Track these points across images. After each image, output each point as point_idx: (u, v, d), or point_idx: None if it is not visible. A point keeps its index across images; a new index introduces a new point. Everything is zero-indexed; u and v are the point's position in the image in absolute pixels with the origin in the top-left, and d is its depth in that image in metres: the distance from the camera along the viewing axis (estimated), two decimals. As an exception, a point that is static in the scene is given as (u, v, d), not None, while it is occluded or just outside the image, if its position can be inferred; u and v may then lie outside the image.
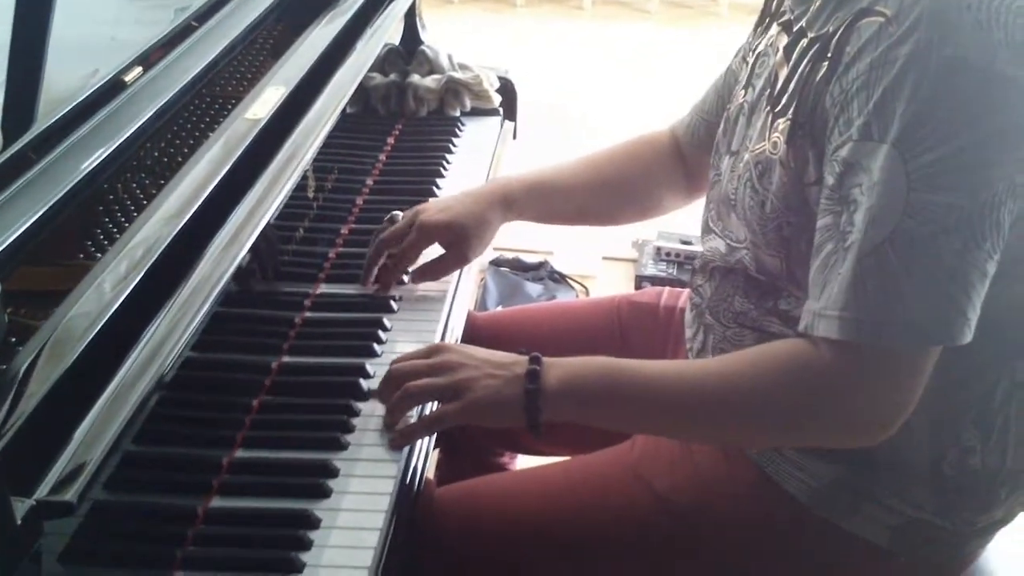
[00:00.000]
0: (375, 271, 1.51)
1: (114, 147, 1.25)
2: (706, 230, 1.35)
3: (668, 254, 3.20)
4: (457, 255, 1.52)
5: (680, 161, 1.56)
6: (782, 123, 1.16)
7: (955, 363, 1.12)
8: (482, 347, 1.27)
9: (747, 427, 1.17)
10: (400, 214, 1.54)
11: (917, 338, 1.05)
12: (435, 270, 1.52)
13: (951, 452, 1.18)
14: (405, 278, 1.53)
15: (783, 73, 1.19)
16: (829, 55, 1.11)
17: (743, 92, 1.30)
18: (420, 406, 1.26)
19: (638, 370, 1.19)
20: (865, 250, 1.04)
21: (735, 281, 1.28)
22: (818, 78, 1.12)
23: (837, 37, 1.11)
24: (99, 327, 0.98)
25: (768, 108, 1.20)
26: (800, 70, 1.15)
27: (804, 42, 1.16)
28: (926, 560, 1.25)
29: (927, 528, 1.21)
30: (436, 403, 1.25)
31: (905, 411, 1.08)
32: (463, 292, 1.55)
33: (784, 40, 1.21)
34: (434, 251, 1.53)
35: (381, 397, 1.26)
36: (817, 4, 1.17)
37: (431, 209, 1.51)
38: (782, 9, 1.26)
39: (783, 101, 1.17)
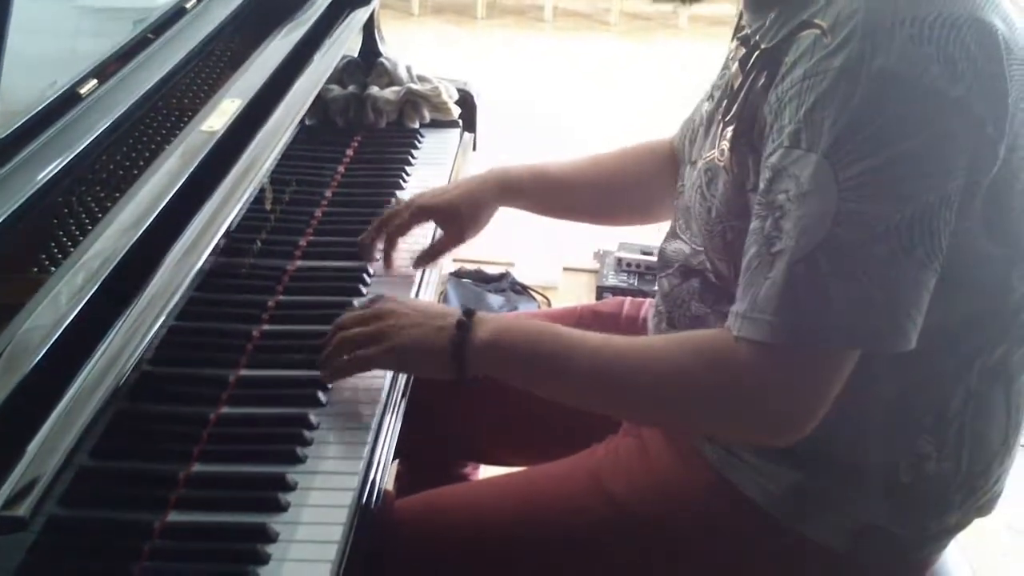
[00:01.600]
0: (373, 247, 1.60)
1: (70, 159, 1.24)
2: (672, 236, 1.37)
3: (629, 264, 3.21)
4: (452, 235, 1.60)
5: (675, 171, 1.58)
6: (729, 131, 1.19)
7: (910, 373, 1.13)
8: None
9: (654, 406, 1.19)
10: (403, 199, 1.66)
11: (845, 343, 1.06)
12: (432, 252, 1.61)
13: (906, 459, 1.19)
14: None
15: (736, 83, 1.21)
16: (771, 64, 1.13)
17: (706, 104, 1.33)
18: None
19: (565, 334, 1.22)
20: (796, 257, 1.05)
21: (692, 286, 1.30)
22: (759, 86, 1.15)
23: (776, 45, 1.14)
24: (54, 339, 0.97)
25: (720, 117, 1.23)
26: (750, 80, 1.17)
27: (757, 54, 1.18)
28: (883, 565, 1.25)
29: (883, 533, 1.22)
30: None
31: (818, 414, 1.09)
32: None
33: (741, 52, 1.23)
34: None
35: (325, 356, 1.29)
36: (771, 18, 1.18)
37: (428, 193, 1.62)
38: (742, 23, 1.28)
39: (732, 110, 1.20)
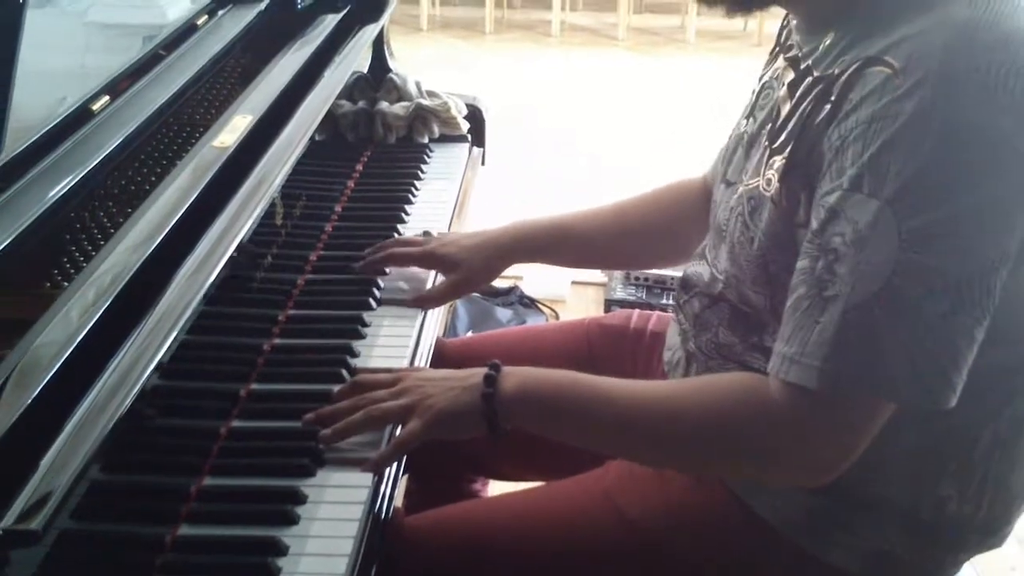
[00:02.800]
0: (377, 260, 1.59)
1: (82, 175, 1.25)
2: (699, 256, 1.35)
3: (637, 278, 3.21)
4: (452, 291, 1.59)
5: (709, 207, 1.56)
6: (778, 160, 1.15)
7: (937, 422, 1.11)
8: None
9: (691, 453, 1.18)
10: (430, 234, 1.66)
11: (892, 397, 1.05)
12: (434, 298, 1.58)
13: (928, 500, 1.19)
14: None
15: (785, 109, 1.17)
16: (832, 99, 1.09)
17: (744, 121, 1.30)
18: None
19: (594, 384, 1.21)
20: (851, 304, 1.02)
21: (721, 312, 1.28)
22: (818, 120, 1.10)
23: (842, 81, 1.08)
24: (66, 355, 0.97)
25: (767, 143, 1.19)
26: (802, 109, 1.13)
27: (809, 80, 1.15)
28: None
29: (897, 561, 1.21)
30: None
31: (853, 458, 1.08)
32: (432, 318, 1.55)
33: (790, 76, 1.19)
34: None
35: (339, 412, 1.25)
36: (827, 43, 1.14)
37: (448, 243, 1.59)
38: (790, 43, 1.24)
39: (781, 138, 1.16)
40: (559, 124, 4.69)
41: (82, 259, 1.16)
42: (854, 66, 1.07)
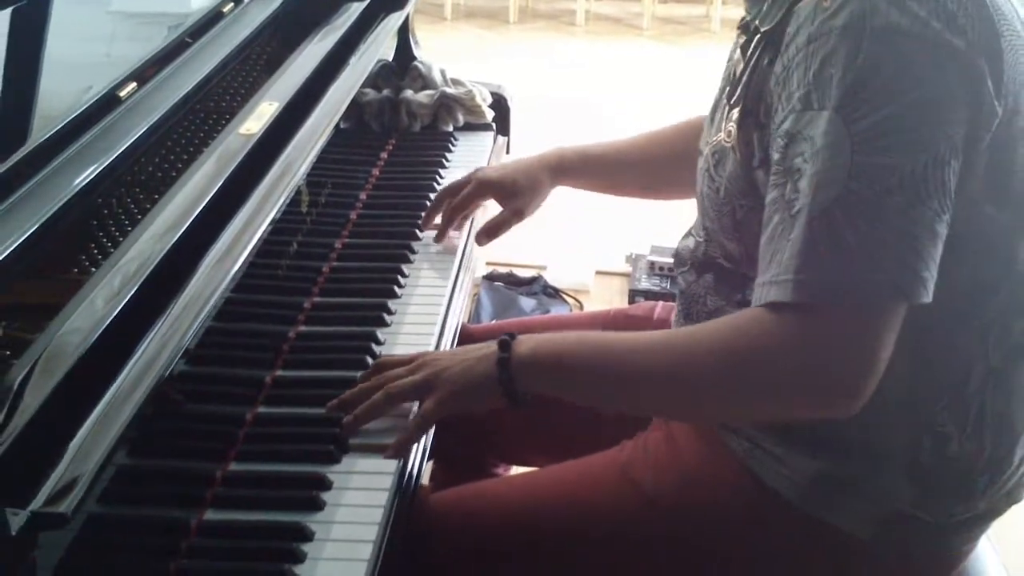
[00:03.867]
0: (434, 218, 1.70)
1: (108, 162, 1.25)
2: (687, 234, 1.39)
3: (662, 268, 3.20)
4: (512, 210, 1.69)
5: None
6: (735, 113, 1.20)
7: (924, 346, 1.13)
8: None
9: (708, 392, 1.17)
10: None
11: (867, 297, 1.06)
12: (494, 228, 1.70)
13: (926, 439, 1.19)
14: (457, 237, 1.70)
15: (739, 69, 1.23)
16: (773, 40, 1.16)
17: (714, 100, 1.34)
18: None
19: (605, 338, 1.25)
20: (814, 214, 1.05)
21: (706, 281, 1.31)
22: (763, 65, 1.17)
23: (777, 21, 1.16)
24: (93, 341, 0.98)
25: (725, 102, 1.25)
26: (752, 63, 1.19)
27: (757, 38, 1.20)
28: (910, 555, 1.25)
29: (909, 521, 1.21)
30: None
31: (869, 376, 1.07)
32: (456, 306, 1.56)
33: (742, 40, 1.25)
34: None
35: (360, 394, 1.26)
36: (768, 2, 1.20)
37: (488, 168, 1.72)
38: (744, 17, 1.29)
39: (737, 92, 1.21)
40: (583, 113, 4.68)
41: (109, 245, 1.17)
42: (787, 6, 1.15)
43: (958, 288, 1.11)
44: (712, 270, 1.30)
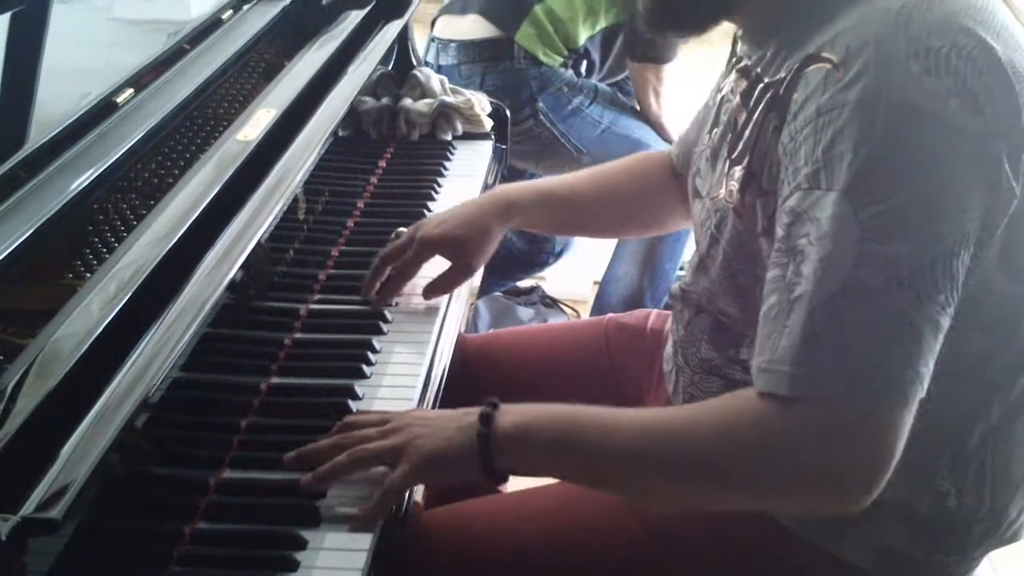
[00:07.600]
0: (377, 284, 1.52)
1: (105, 167, 1.25)
2: (691, 267, 1.34)
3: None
4: (461, 266, 1.53)
5: (677, 182, 1.56)
6: (738, 171, 1.15)
7: (926, 407, 1.06)
8: (472, 369, 1.25)
9: (700, 486, 1.11)
10: (404, 231, 1.55)
11: (866, 397, 1.01)
12: (442, 284, 1.53)
13: (925, 495, 1.16)
14: (403, 296, 1.54)
15: (741, 119, 1.18)
16: (780, 103, 1.09)
17: (708, 135, 1.29)
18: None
19: (595, 417, 1.14)
20: (816, 302, 1.00)
21: (703, 326, 1.27)
22: (771, 128, 1.10)
23: (786, 84, 1.09)
24: (87, 346, 0.98)
25: (727, 155, 1.19)
26: (755, 118, 1.14)
27: (760, 88, 1.15)
28: None
29: (908, 556, 1.20)
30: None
31: (877, 471, 1.02)
32: (453, 315, 1.55)
33: (743, 86, 1.20)
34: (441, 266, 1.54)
35: (322, 451, 1.17)
36: (771, 51, 1.15)
37: (430, 223, 1.53)
38: (741, 55, 1.25)
39: (739, 148, 1.16)
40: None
41: (104, 251, 1.17)
42: (795, 67, 1.08)
43: (962, 363, 1.06)
44: (710, 318, 1.26)
